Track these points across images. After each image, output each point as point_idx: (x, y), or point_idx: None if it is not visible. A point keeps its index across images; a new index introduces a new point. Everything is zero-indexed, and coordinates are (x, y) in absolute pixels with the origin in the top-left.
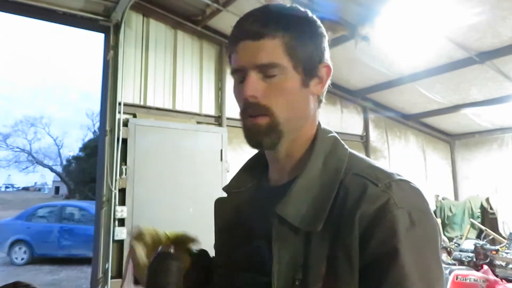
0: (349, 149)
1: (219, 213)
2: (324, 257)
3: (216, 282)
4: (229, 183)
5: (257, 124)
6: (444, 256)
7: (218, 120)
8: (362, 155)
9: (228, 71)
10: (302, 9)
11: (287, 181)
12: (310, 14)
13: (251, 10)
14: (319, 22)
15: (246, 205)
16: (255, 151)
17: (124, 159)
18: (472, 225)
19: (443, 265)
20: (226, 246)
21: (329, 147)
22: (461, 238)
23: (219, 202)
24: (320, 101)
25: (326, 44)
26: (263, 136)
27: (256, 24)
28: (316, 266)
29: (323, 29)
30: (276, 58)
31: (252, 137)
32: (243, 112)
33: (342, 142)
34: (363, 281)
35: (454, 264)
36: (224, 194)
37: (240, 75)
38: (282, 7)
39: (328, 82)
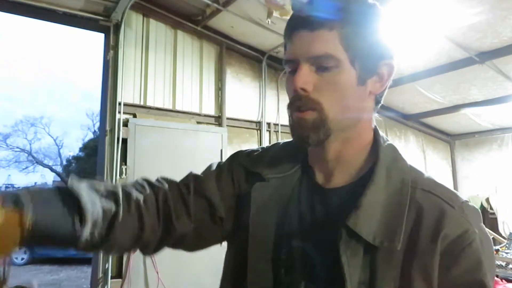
0: (405, 158)
1: (257, 199)
2: (393, 277)
3: (251, 276)
4: (266, 166)
5: (304, 119)
6: None
7: (218, 120)
8: (414, 164)
9: (228, 71)
10: (370, 2)
11: (342, 185)
12: (374, 5)
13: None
14: (384, 16)
15: (291, 199)
16: None
17: (124, 159)
18: None
19: None
20: (261, 238)
21: (391, 155)
22: None
23: (259, 187)
24: (378, 103)
25: (390, 39)
26: (310, 131)
27: (314, 14)
28: (382, 285)
29: (387, 24)
30: (331, 49)
31: (297, 132)
32: (291, 105)
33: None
34: None
35: None
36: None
37: (293, 66)
38: None
39: (389, 82)
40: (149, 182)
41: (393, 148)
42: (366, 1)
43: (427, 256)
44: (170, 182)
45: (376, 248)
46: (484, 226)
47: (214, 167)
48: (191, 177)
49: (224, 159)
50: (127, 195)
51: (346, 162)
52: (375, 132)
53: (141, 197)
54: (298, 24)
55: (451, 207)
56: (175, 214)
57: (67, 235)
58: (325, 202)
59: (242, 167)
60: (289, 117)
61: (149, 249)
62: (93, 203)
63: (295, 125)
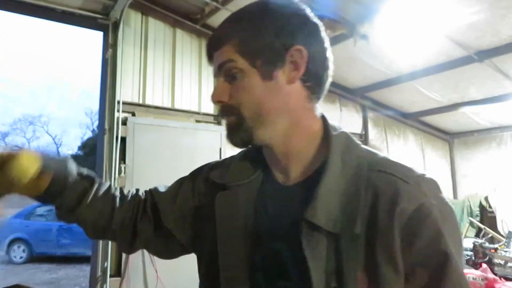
0: (359, 142)
1: (222, 208)
2: (359, 261)
3: (226, 283)
4: (228, 175)
5: (227, 123)
6: None
7: (217, 118)
8: (372, 149)
9: None
10: (263, 1)
11: (300, 180)
12: (274, 1)
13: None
14: (290, 6)
15: (256, 202)
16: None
17: (123, 158)
18: (471, 224)
19: None
20: (232, 245)
21: (344, 143)
22: None
23: (222, 196)
24: (310, 88)
25: (300, 26)
26: (233, 134)
27: (215, 36)
28: (351, 271)
29: (295, 12)
30: (230, 60)
31: (227, 136)
32: (219, 115)
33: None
34: (411, 281)
35: None
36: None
37: None
38: (238, 11)
39: (309, 65)
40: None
41: (345, 135)
42: (261, 3)
43: (388, 235)
44: (143, 192)
45: (338, 236)
46: (444, 196)
47: (176, 180)
48: (153, 188)
49: (223, 158)
50: (108, 187)
51: (296, 157)
52: (324, 121)
53: (118, 194)
54: (210, 46)
55: (405, 183)
56: (139, 217)
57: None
58: (287, 199)
59: (205, 180)
60: None
61: (124, 244)
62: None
63: (226, 130)
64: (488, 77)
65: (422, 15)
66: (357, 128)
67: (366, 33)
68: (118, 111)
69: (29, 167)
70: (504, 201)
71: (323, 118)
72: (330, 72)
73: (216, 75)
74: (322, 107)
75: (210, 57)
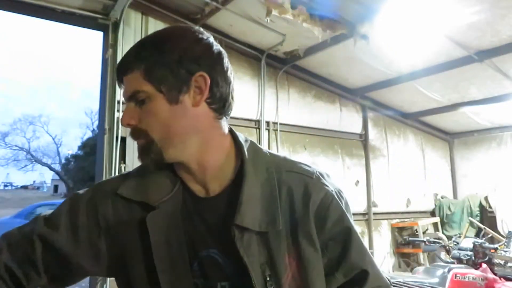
0: (263, 148)
1: (154, 227)
2: (285, 249)
3: None
4: (149, 192)
5: (138, 146)
6: (443, 255)
7: None
8: (268, 149)
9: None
10: (173, 27)
11: (219, 191)
12: (176, 29)
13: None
14: (193, 34)
15: (182, 217)
16: None
17: (123, 158)
18: (471, 224)
19: (442, 264)
20: (171, 260)
21: (252, 151)
22: (459, 237)
23: (153, 216)
24: (217, 109)
25: (201, 51)
26: (144, 155)
27: (124, 62)
28: (280, 258)
29: (197, 40)
30: (138, 86)
31: (138, 157)
32: (130, 137)
33: (257, 144)
34: (326, 254)
35: (453, 263)
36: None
37: None
38: (146, 38)
39: (213, 89)
40: None
41: (252, 145)
42: (165, 31)
43: (305, 223)
44: (12, 242)
45: (265, 233)
46: (335, 182)
47: (66, 207)
48: (37, 227)
49: None
50: None
51: (212, 171)
52: (233, 136)
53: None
54: (119, 71)
55: (310, 178)
56: (24, 278)
57: None
58: (212, 210)
59: (115, 197)
60: None
61: None
62: None
63: (137, 151)
64: (488, 77)
65: (422, 15)
66: (357, 128)
67: (366, 33)
68: (118, 111)
69: None
70: (504, 201)
71: (232, 132)
72: (234, 93)
73: (127, 100)
74: (322, 107)
75: (121, 81)
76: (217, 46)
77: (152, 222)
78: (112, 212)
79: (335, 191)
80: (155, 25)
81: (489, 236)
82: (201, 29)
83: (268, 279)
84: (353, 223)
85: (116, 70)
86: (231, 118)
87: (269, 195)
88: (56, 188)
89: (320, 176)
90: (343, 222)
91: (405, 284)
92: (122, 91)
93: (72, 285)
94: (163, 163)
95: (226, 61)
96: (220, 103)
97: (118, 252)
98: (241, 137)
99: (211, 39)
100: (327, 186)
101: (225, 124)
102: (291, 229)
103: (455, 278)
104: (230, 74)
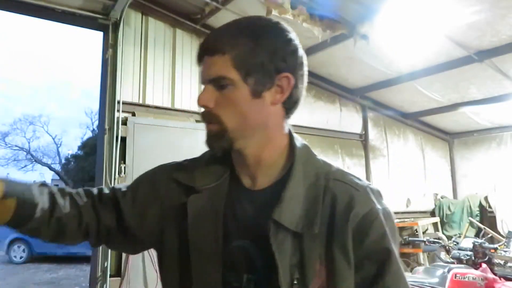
0: (318, 155)
1: (194, 209)
2: (318, 255)
3: (197, 279)
4: (197, 178)
5: (209, 130)
6: (442, 255)
7: None
8: (324, 158)
9: None
10: (267, 19)
11: (266, 186)
12: (272, 23)
13: (214, 29)
14: (285, 33)
15: (225, 205)
16: None
17: (123, 158)
18: (471, 224)
19: (442, 264)
20: (204, 243)
21: (305, 154)
22: (459, 237)
23: (194, 198)
24: (287, 110)
25: (291, 52)
26: (213, 141)
27: (211, 41)
28: (311, 264)
29: (288, 40)
30: (224, 72)
31: (206, 141)
32: (201, 119)
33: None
34: (359, 272)
35: (453, 263)
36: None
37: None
38: (239, 22)
39: (292, 91)
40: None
41: (306, 148)
42: (262, 22)
43: (343, 234)
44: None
45: (301, 234)
46: (385, 203)
47: (137, 179)
48: (115, 187)
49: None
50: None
51: (265, 165)
52: (290, 136)
53: (74, 192)
54: (202, 51)
55: (357, 191)
56: (103, 207)
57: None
58: (253, 202)
59: (168, 180)
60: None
61: (91, 238)
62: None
63: (205, 135)
64: (488, 77)
65: (422, 15)
66: (357, 128)
67: (366, 33)
68: (118, 111)
69: None
70: (504, 201)
71: (290, 132)
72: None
73: (206, 82)
74: (322, 107)
75: (201, 59)
76: (301, 50)
77: (192, 204)
78: (165, 193)
79: (382, 210)
80: (155, 25)
81: (489, 236)
82: (289, 28)
83: (295, 282)
84: (395, 247)
85: (201, 47)
86: None
87: (312, 199)
88: None
89: (369, 192)
90: (384, 242)
91: None
92: (200, 69)
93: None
94: (229, 150)
95: (306, 64)
96: (292, 104)
97: (160, 227)
98: (298, 139)
99: (298, 41)
100: (374, 202)
101: (287, 124)
102: (327, 237)
103: (455, 278)
104: (306, 78)
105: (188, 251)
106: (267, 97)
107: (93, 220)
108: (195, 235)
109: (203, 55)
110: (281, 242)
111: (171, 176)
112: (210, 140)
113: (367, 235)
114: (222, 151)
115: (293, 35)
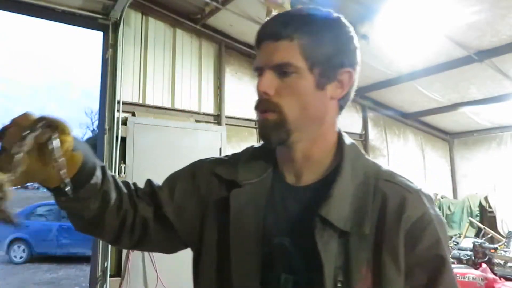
0: (366, 155)
1: (236, 204)
2: (365, 258)
3: (236, 277)
4: (239, 173)
5: (266, 119)
6: None
7: (217, 118)
8: (374, 159)
9: (227, 69)
10: (330, 11)
11: (310, 183)
12: (337, 17)
13: (277, 14)
14: (348, 29)
15: (266, 201)
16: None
17: (123, 158)
18: (471, 224)
19: None
20: (244, 238)
21: (354, 153)
22: (459, 237)
23: (237, 193)
24: (341, 107)
25: (353, 49)
26: (271, 131)
27: (276, 26)
28: (357, 267)
29: (351, 37)
30: (291, 58)
31: (262, 132)
32: (256, 107)
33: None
34: (409, 280)
35: (453, 263)
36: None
37: (260, 72)
38: (306, 10)
39: (350, 88)
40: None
41: (355, 147)
42: (329, 14)
43: (393, 237)
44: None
45: (348, 234)
46: (438, 211)
47: (173, 175)
48: (151, 180)
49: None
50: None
51: (313, 162)
52: (339, 134)
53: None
54: (264, 35)
55: (410, 193)
56: (140, 199)
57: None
58: (297, 199)
59: (209, 175)
60: (257, 117)
61: (125, 231)
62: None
63: (260, 125)
64: (488, 77)
65: (422, 15)
66: (357, 128)
67: (366, 33)
68: (118, 111)
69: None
70: (504, 201)
71: (339, 130)
72: None
73: (268, 67)
74: None
75: (260, 44)
76: (359, 49)
77: (234, 198)
78: (205, 188)
79: (436, 216)
80: (155, 25)
81: (489, 236)
82: (349, 24)
83: (339, 285)
84: (448, 255)
85: (263, 30)
86: (232, 118)
87: (362, 198)
88: None
89: (422, 195)
90: (438, 249)
91: None
92: (259, 54)
93: (163, 250)
94: (285, 143)
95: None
96: (346, 101)
97: (200, 222)
98: (347, 138)
99: (357, 38)
100: (427, 207)
101: (338, 121)
102: (376, 240)
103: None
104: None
105: (228, 247)
106: (328, 91)
107: (131, 209)
108: (236, 230)
109: (264, 40)
110: (327, 241)
111: (212, 171)
112: (267, 130)
113: (420, 240)
114: (278, 143)
115: (354, 33)
